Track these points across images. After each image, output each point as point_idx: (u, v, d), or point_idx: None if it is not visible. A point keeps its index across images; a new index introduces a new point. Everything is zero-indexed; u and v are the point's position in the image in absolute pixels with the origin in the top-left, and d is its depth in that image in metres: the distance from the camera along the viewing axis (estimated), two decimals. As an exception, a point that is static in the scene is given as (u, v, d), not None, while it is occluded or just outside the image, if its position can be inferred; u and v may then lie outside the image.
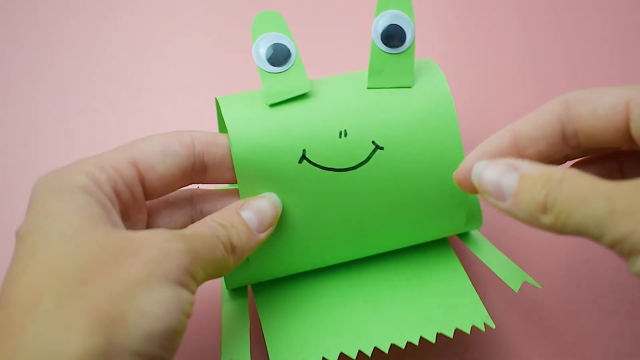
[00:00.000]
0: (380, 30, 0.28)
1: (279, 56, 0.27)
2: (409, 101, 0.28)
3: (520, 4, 0.41)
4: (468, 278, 0.30)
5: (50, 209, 0.21)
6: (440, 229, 0.30)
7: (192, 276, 0.21)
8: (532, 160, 0.25)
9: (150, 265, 0.20)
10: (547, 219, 0.22)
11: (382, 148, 0.27)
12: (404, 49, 0.28)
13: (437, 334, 0.27)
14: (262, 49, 0.27)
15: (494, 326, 0.28)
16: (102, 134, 0.37)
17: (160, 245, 0.21)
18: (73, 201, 0.21)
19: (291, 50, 0.27)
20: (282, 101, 0.27)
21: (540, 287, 0.29)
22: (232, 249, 0.24)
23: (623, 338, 0.32)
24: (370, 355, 0.27)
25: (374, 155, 0.27)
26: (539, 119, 0.25)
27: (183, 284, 0.21)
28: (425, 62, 0.30)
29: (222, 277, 0.28)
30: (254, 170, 0.26)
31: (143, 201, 0.25)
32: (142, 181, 0.25)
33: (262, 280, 0.29)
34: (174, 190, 0.26)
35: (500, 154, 0.26)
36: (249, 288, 0.30)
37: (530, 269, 0.33)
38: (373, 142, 0.27)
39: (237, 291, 0.29)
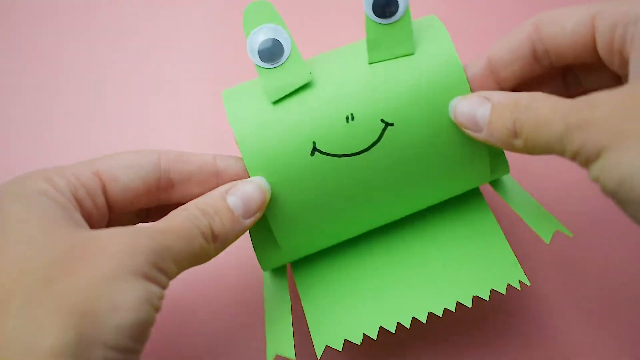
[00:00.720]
0: (371, 1, 0.26)
1: (274, 52, 0.27)
2: (412, 69, 0.27)
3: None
4: (502, 233, 0.29)
5: (10, 215, 0.22)
6: (465, 183, 0.29)
7: (161, 271, 0.21)
8: (509, 81, 0.27)
9: (116, 260, 0.20)
10: (518, 143, 0.24)
11: (392, 124, 0.27)
12: (398, 18, 0.27)
13: (474, 297, 0.28)
14: (255, 46, 0.27)
15: (529, 283, 0.28)
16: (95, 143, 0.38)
17: (125, 241, 0.21)
18: (33, 205, 0.22)
19: (285, 43, 0.27)
20: (284, 96, 0.27)
21: (571, 235, 0.28)
22: (214, 237, 0.24)
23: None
24: (409, 327, 0.28)
25: (385, 133, 0.27)
26: (511, 42, 0.26)
27: (151, 279, 0.21)
28: (429, 20, 0.28)
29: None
30: (267, 171, 0.27)
31: (106, 212, 0.25)
32: (105, 191, 0.24)
33: (295, 259, 0.30)
34: (138, 206, 0.26)
35: (478, 79, 0.27)
36: (289, 268, 0.32)
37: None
38: (382, 120, 0.27)
39: (276, 272, 0.30)
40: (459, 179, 0.29)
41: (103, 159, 0.25)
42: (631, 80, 0.22)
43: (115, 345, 0.19)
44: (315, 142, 0.27)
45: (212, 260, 0.25)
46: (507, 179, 0.31)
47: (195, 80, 0.39)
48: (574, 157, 0.21)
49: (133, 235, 0.21)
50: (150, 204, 0.26)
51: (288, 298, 0.29)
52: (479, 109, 0.25)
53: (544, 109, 0.22)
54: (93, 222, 0.24)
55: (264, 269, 0.29)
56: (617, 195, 0.20)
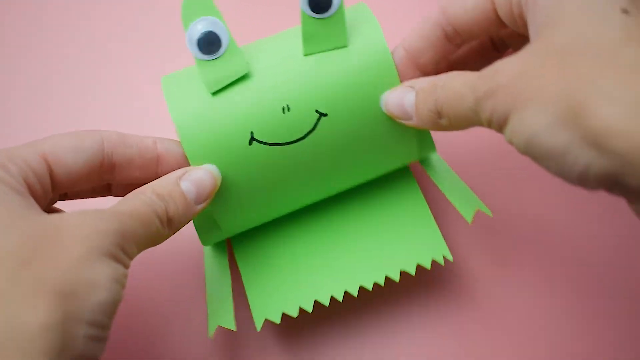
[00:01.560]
0: (306, -3, 0.27)
1: (211, 44, 0.27)
2: (345, 61, 0.28)
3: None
4: (429, 210, 0.32)
5: None
6: (395, 161, 0.31)
7: (124, 252, 0.23)
8: (430, 66, 0.29)
9: (87, 242, 0.21)
10: (444, 122, 0.25)
11: (325, 115, 0.28)
12: (332, 13, 0.28)
13: (401, 271, 0.30)
14: (193, 38, 0.28)
15: (452, 259, 0.30)
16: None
17: (92, 224, 0.22)
18: None
19: (222, 35, 0.28)
20: (223, 87, 0.28)
21: (491, 215, 0.30)
22: (169, 221, 0.25)
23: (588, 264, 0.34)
24: (341, 300, 0.30)
25: (319, 123, 0.28)
26: (422, 30, 0.28)
27: (118, 260, 0.22)
28: (360, 10, 0.29)
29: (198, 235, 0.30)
30: (206, 160, 0.28)
31: (50, 194, 0.25)
32: (51, 174, 0.25)
33: (235, 234, 0.31)
34: (80, 188, 0.27)
35: (400, 69, 0.29)
36: (228, 242, 0.33)
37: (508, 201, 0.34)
38: (316, 111, 0.28)
39: (216, 246, 0.32)
40: (389, 159, 0.31)
41: (47, 140, 0.25)
42: (531, 42, 0.23)
43: (94, 322, 0.21)
44: (253, 132, 0.28)
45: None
46: (436, 159, 0.33)
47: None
48: (489, 125, 0.23)
49: (99, 218, 0.22)
50: (91, 185, 0.27)
51: (228, 272, 0.31)
52: (405, 98, 0.27)
53: (457, 85, 0.24)
54: (40, 206, 0.25)
55: (204, 244, 0.31)
56: (529, 153, 0.21)
